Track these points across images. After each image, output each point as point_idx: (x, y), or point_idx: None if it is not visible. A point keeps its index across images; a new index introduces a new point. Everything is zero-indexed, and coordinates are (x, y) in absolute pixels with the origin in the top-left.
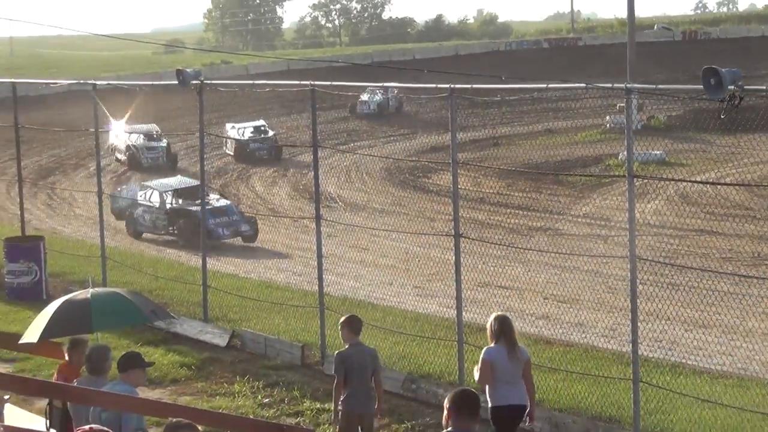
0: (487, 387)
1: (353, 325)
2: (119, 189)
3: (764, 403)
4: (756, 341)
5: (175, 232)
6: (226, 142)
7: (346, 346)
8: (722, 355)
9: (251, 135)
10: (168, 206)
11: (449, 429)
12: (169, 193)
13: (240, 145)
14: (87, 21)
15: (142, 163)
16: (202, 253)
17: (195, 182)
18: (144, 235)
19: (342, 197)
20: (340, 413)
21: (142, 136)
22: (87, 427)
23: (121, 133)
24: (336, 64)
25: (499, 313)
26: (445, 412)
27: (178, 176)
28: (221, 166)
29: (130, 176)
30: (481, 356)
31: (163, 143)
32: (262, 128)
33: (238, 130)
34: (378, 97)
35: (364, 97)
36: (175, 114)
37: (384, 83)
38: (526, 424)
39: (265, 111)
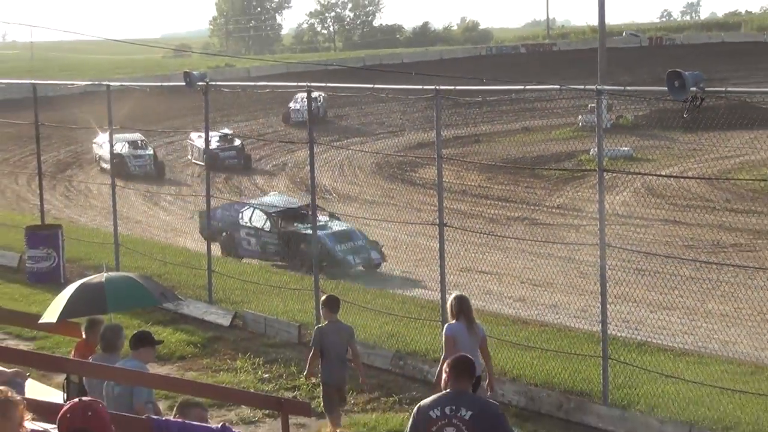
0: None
1: (331, 304)
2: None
3: (722, 378)
4: (714, 322)
5: (291, 258)
6: (192, 150)
7: (326, 323)
8: (684, 334)
9: (218, 143)
10: (279, 229)
11: (448, 389)
12: (278, 214)
13: (210, 154)
14: (101, 27)
15: (131, 170)
16: (207, 240)
17: (300, 201)
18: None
19: (336, 189)
20: (322, 385)
21: (127, 144)
22: (76, 399)
23: (105, 143)
24: (330, 68)
25: (458, 292)
26: (444, 375)
27: (276, 194)
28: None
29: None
30: (444, 332)
31: (150, 151)
32: (229, 136)
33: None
34: (313, 104)
35: (296, 105)
36: (182, 113)
37: (311, 85)
38: (488, 394)
39: (265, 110)
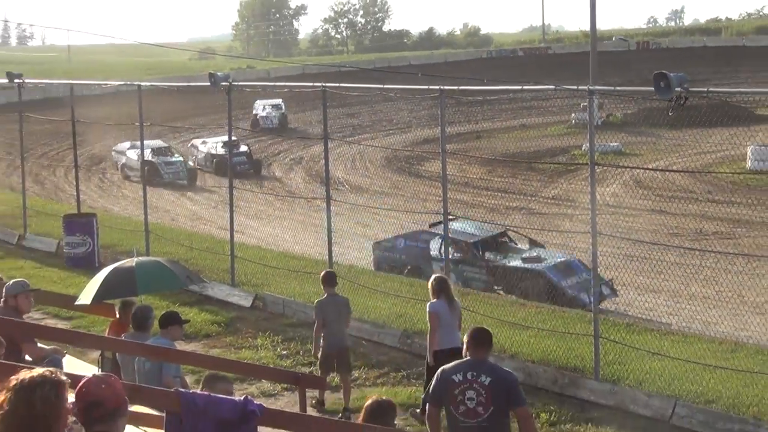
0: (434, 335)
1: (329, 279)
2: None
3: (705, 356)
4: (697, 304)
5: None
6: (196, 156)
7: (324, 296)
8: (669, 315)
9: (225, 149)
10: (486, 262)
11: (467, 357)
12: (477, 243)
13: (221, 159)
14: (133, 31)
15: (163, 177)
16: (229, 226)
17: (495, 227)
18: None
19: (348, 181)
20: (321, 350)
21: (150, 150)
22: (92, 374)
23: (128, 150)
24: (344, 69)
25: (437, 274)
26: (464, 345)
27: (468, 221)
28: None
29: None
30: (428, 310)
31: (179, 158)
32: (233, 143)
33: (209, 145)
34: (277, 111)
35: (263, 112)
36: (206, 111)
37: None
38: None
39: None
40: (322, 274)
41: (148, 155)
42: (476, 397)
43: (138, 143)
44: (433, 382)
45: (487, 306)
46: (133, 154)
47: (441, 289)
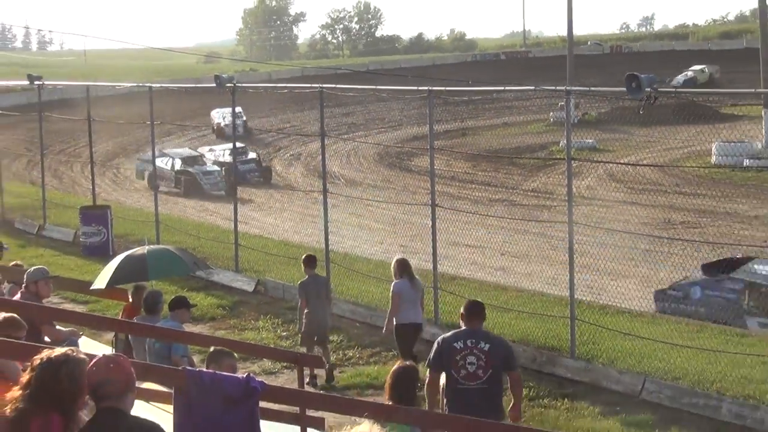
0: (393, 311)
1: (309, 261)
2: None
3: (672, 336)
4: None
5: None
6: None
7: (306, 277)
8: (640, 299)
9: (230, 156)
10: None
11: (463, 328)
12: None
13: (230, 168)
14: (144, 37)
15: (204, 189)
16: (234, 217)
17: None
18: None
19: (343, 175)
20: (303, 325)
21: (180, 160)
22: (102, 354)
23: (163, 160)
24: (340, 71)
25: (399, 256)
26: (460, 317)
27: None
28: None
29: None
30: (391, 289)
31: (215, 167)
32: (240, 150)
33: (216, 153)
34: (238, 119)
35: (224, 121)
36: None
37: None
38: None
39: (283, 108)
40: (303, 257)
41: (178, 165)
42: (476, 361)
43: (169, 151)
44: (434, 350)
45: (471, 291)
46: (164, 164)
47: (403, 269)
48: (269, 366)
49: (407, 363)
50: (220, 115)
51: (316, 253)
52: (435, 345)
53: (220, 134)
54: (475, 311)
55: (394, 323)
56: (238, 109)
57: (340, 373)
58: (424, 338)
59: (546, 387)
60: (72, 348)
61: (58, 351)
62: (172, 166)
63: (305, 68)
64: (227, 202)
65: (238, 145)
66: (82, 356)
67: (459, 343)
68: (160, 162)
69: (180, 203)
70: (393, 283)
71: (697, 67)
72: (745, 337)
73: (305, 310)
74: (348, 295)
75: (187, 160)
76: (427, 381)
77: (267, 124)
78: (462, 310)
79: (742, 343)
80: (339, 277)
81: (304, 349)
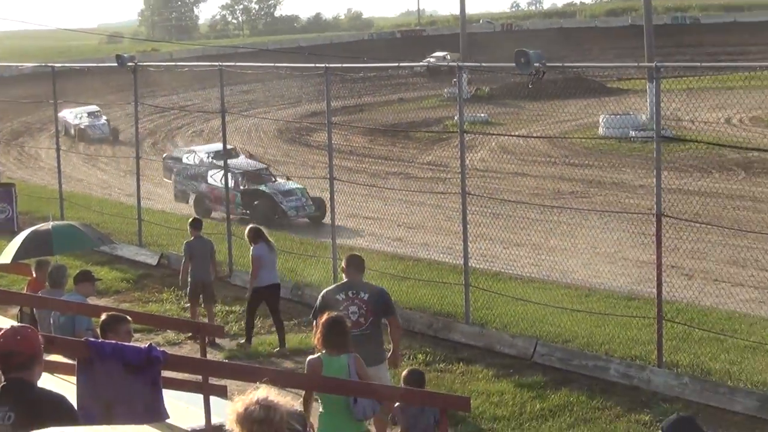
0: (255, 274)
1: (195, 224)
2: None
3: (562, 300)
4: (556, 255)
5: None
6: (65, 126)
7: (192, 238)
8: (531, 266)
9: (88, 119)
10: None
11: (344, 280)
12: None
13: (79, 129)
14: (47, 17)
15: (288, 215)
16: (137, 193)
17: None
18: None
19: (245, 151)
20: (189, 283)
21: (86, 114)
22: (9, 326)
23: (70, 113)
24: (240, 50)
25: (251, 225)
26: (342, 270)
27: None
28: (152, 128)
29: None
30: (252, 254)
31: (296, 184)
32: (96, 113)
33: (76, 115)
34: (95, 119)
35: (79, 120)
36: (115, 90)
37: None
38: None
39: (184, 87)
40: (189, 220)
41: (82, 117)
42: (358, 310)
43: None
44: (318, 303)
45: (369, 260)
46: (216, 180)
47: (257, 235)
48: (173, 337)
49: (335, 314)
50: (73, 115)
51: (219, 226)
52: (319, 298)
53: (82, 137)
54: (354, 264)
55: (257, 285)
56: (94, 107)
57: (242, 341)
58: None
59: (442, 352)
60: None
61: None
62: (236, 182)
63: (206, 48)
64: (131, 179)
65: (94, 108)
66: None
67: (341, 294)
68: (215, 178)
69: (84, 181)
70: (252, 248)
71: (440, 54)
72: (632, 300)
73: (189, 269)
74: (248, 267)
75: (89, 114)
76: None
77: (169, 102)
78: (343, 263)
79: (629, 306)
80: (240, 248)
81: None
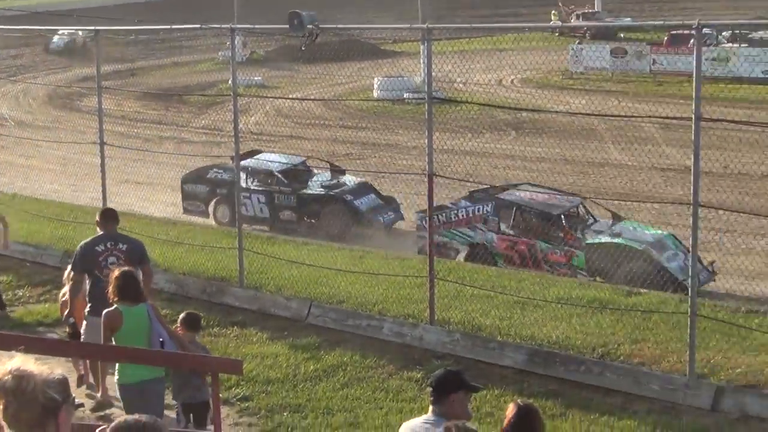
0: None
1: None
2: None
3: (337, 262)
4: None
5: None
6: None
7: None
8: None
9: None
10: None
11: (100, 233)
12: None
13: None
14: None
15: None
16: None
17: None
18: None
19: (13, 117)
20: None
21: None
22: None
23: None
24: (8, 13)
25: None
26: (96, 224)
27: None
28: None
29: None
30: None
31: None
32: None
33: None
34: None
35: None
36: None
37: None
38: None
39: None
40: None
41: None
42: (117, 261)
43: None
44: (78, 254)
45: (142, 226)
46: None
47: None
48: None
49: (125, 268)
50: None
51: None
52: (78, 249)
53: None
54: (109, 216)
55: None
56: None
57: (11, 312)
58: None
59: (216, 316)
60: None
61: None
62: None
63: None
64: None
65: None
66: None
67: (100, 246)
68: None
69: None
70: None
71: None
72: (406, 260)
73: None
74: (17, 236)
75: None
76: (73, 281)
77: None
78: (97, 217)
79: (403, 266)
80: (11, 218)
81: None
